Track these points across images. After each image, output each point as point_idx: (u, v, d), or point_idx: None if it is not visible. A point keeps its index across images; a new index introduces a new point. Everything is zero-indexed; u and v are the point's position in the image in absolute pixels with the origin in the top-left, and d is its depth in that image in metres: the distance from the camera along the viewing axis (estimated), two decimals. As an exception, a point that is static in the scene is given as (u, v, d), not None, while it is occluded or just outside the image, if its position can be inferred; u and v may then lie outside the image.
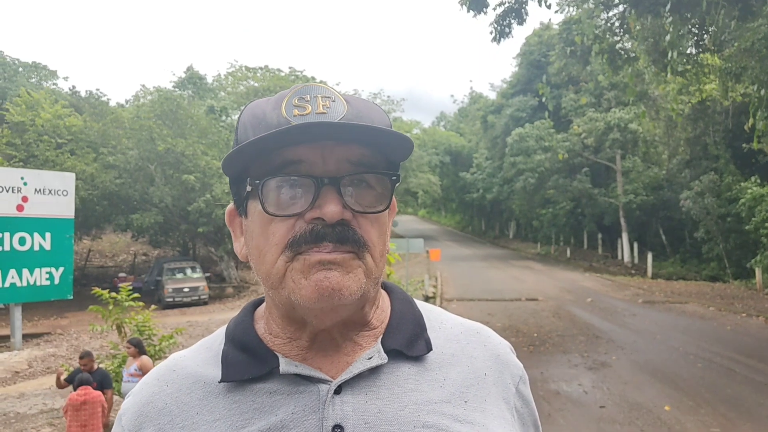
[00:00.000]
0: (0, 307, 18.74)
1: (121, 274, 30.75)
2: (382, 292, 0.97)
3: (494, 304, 18.59)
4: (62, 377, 7.58)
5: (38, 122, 27.55)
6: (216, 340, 0.94)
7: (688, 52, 14.72)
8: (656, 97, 26.86)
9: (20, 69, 39.52)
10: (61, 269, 16.19)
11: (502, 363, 0.95)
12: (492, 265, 32.54)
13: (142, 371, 7.26)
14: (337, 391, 0.82)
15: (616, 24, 14.86)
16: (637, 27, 14.02)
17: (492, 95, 56.30)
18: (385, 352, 0.86)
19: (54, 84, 41.21)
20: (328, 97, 0.84)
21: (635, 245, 31.91)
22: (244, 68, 39.25)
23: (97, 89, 45.59)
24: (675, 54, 13.17)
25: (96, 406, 6.49)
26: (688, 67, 15.00)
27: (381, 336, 0.89)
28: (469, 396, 0.87)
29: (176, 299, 23.74)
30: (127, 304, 9.69)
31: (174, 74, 43.44)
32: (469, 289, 22.17)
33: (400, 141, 0.82)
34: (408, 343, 0.88)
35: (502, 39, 15.48)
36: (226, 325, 0.95)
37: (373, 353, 0.86)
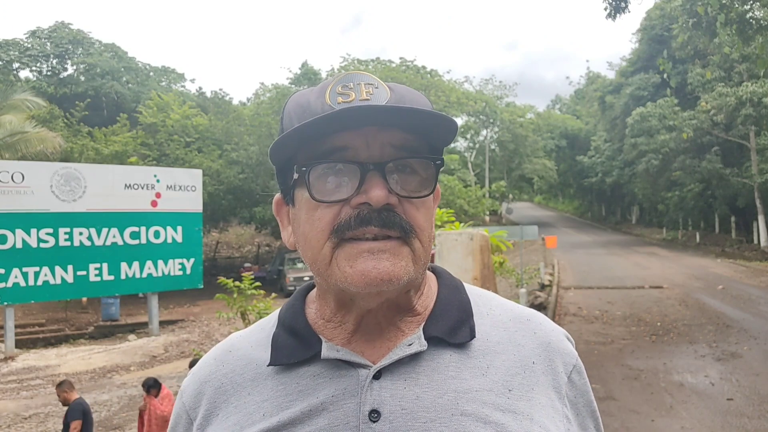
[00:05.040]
0: (139, 297, 20.32)
1: (246, 264, 32.32)
2: (431, 276, 0.97)
3: (615, 292, 17.91)
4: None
5: (168, 123, 29.53)
6: (270, 322, 0.97)
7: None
8: (794, 68, 24.63)
9: (151, 73, 42.33)
10: (192, 260, 17.35)
11: (554, 351, 0.91)
12: (613, 252, 31.33)
13: None
14: (377, 376, 0.83)
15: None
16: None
17: (610, 74, 53.82)
18: (427, 338, 0.86)
19: (182, 86, 43.86)
20: (371, 84, 0.84)
21: (773, 229, 29.55)
22: (356, 61, 39.98)
23: (221, 89, 47.97)
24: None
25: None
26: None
27: (424, 322, 0.88)
28: (513, 385, 0.85)
29: (297, 287, 24.73)
30: (249, 292, 10.23)
31: (290, 71, 44.93)
32: (588, 277, 21.49)
33: (443, 123, 0.82)
34: (450, 330, 0.87)
35: (617, 14, 14.80)
36: (280, 308, 0.98)
37: (413, 340, 0.85)
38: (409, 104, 0.83)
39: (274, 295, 11.53)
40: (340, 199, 0.81)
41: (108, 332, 18.50)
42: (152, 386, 6.94)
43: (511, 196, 61.31)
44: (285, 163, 0.87)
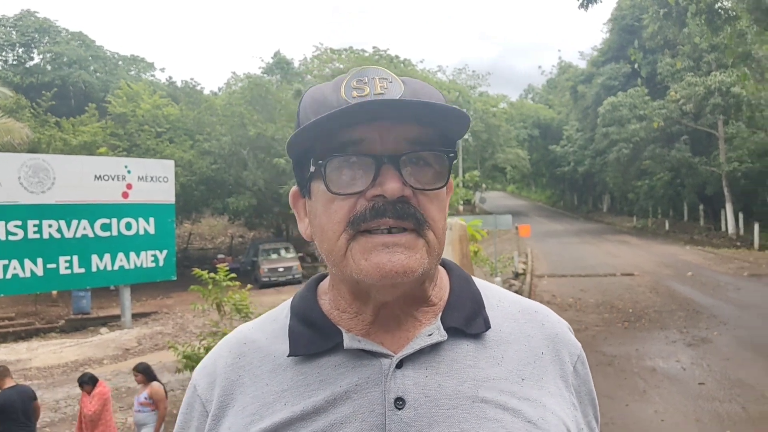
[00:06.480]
0: (111, 289, 20.02)
1: (220, 256, 32.07)
2: (441, 269, 0.99)
3: (587, 279, 18.15)
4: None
5: (139, 113, 29.05)
6: (282, 313, 0.98)
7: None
8: (760, 58, 25.01)
9: (120, 62, 41.60)
10: (164, 252, 17.11)
11: (560, 342, 0.96)
12: (585, 241, 31.73)
13: (153, 399, 6.54)
14: (399, 365, 0.85)
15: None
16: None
17: (582, 64, 54.27)
18: (445, 329, 0.88)
19: (152, 76, 43.19)
20: (385, 79, 0.86)
21: (740, 216, 30.11)
22: (329, 51, 39.70)
23: (192, 79, 47.30)
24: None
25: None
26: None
27: (440, 313, 0.91)
28: (526, 374, 0.89)
29: (272, 278, 24.67)
30: (224, 284, 10.13)
31: (262, 60, 44.52)
32: (561, 266, 21.74)
33: (455, 116, 0.83)
34: (467, 320, 0.91)
35: (589, 4, 14.92)
36: (291, 299, 1.00)
37: (433, 330, 0.88)
38: (423, 98, 0.85)
39: (249, 286, 11.45)
40: (355, 192, 0.83)
41: (79, 325, 18.24)
42: (85, 382, 6.52)
43: (484, 185, 61.56)
44: (301, 156, 0.89)
